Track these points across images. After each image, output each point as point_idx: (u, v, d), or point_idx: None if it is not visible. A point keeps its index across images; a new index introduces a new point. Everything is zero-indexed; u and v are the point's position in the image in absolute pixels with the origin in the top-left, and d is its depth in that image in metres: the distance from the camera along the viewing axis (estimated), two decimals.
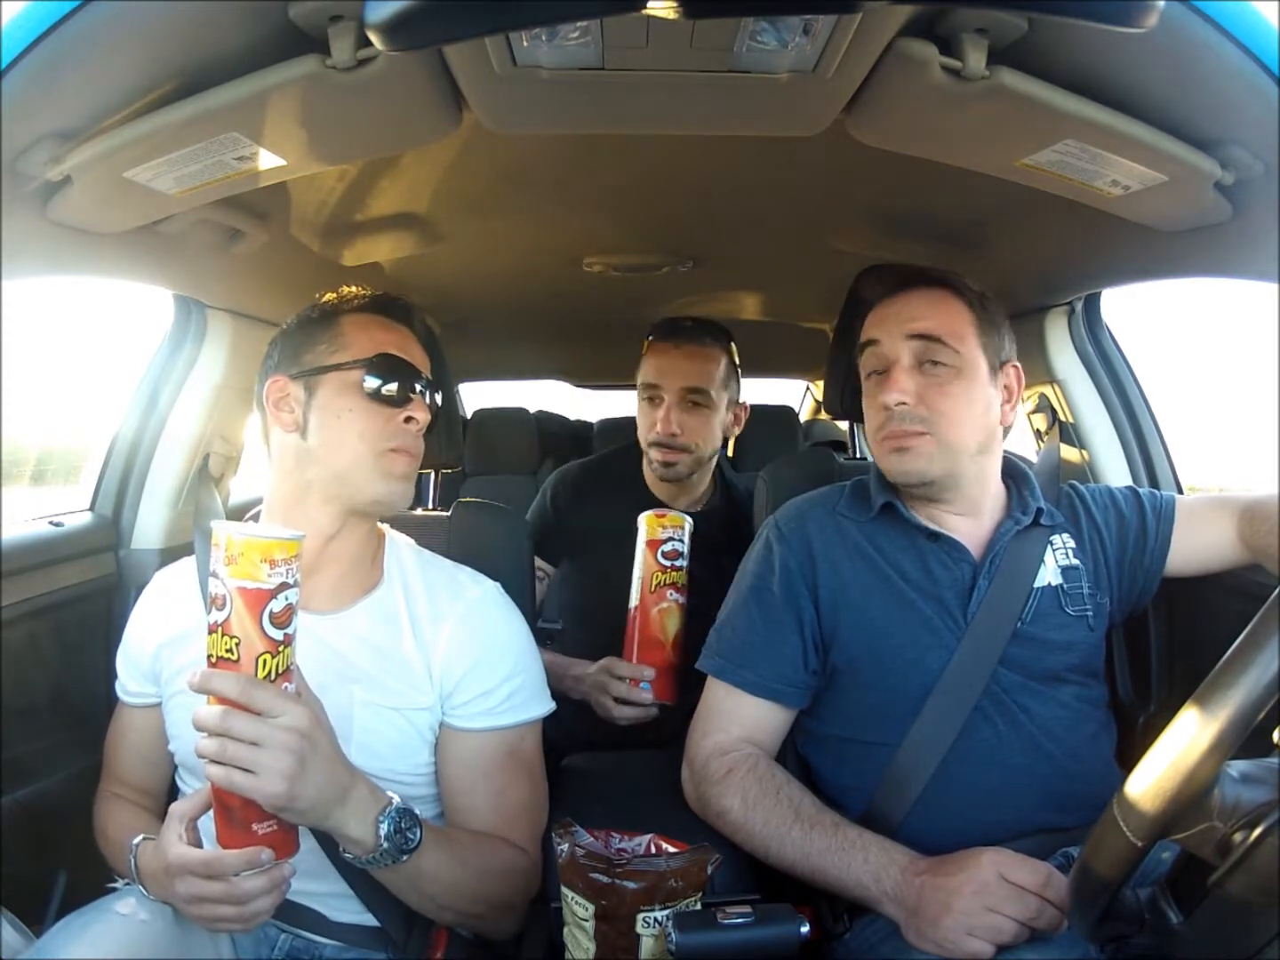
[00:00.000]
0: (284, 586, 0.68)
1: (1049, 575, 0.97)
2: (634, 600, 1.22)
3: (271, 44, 0.69)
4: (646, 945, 0.76)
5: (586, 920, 0.77)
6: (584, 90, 0.78)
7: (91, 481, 1.42)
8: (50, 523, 1.29)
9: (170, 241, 1.03)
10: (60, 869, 1.09)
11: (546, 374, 3.12)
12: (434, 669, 0.88)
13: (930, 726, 0.91)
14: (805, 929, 0.73)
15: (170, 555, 1.30)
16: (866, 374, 1.00)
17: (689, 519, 1.25)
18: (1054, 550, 0.98)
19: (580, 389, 3.26)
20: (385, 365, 0.90)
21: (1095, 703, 0.97)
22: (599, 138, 1.02)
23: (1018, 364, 1.00)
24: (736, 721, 0.98)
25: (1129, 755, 0.84)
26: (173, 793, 0.95)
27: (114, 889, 0.82)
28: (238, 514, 1.23)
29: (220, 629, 0.68)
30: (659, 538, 1.22)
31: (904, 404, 0.93)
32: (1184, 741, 0.51)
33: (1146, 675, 1.24)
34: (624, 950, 0.76)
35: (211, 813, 0.71)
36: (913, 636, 0.94)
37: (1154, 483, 1.34)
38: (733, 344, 1.50)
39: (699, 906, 0.78)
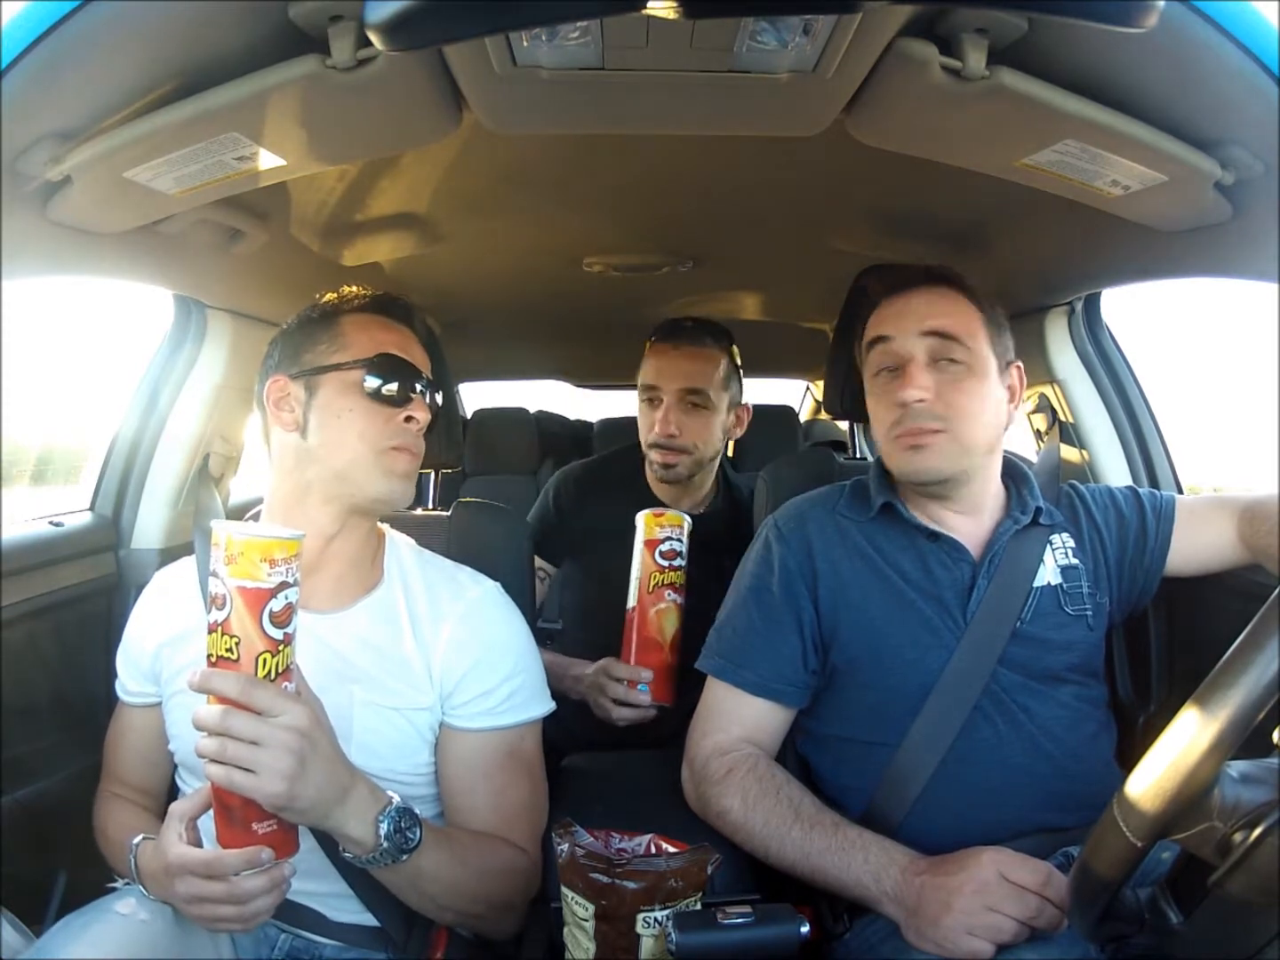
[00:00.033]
0: (284, 586, 0.68)
1: (1048, 575, 0.97)
2: (631, 601, 1.22)
3: (271, 44, 0.69)
4: (646, 945, 0.76)
5: (586, 920, 0.77)
6: (584, 90, 0.78)
7: (91, 481, 1.42)
8: (50, 523, 1.29)
9: (170, 241, 1.03)
10: (60, 869, 1.09)
11: (546, 374, 3.13)
12: (434, 669, 0.88)
13: (930, 726, 0.91)
14: (805, 929, 0.73)
15: (170, 555, 1.30)
16: (875, 371, 0.99)
17: (688, 518, 1.24)
18: (1053, 550, 0.98)
19: (580, 389, 3.26)
20: (386, 365, 0.90)
21: (1095, 702, 0.97)
22: (599, 138, 1.02)
23: (1019, 364, 1.00)
24: (736, 721, 0.98)
25: (1129, 755, 0.84)
26: (173, 793, 0.95)
27: (114, 889, 0.82)
28: (238, 514, 1.23)
29: (220, 628, 0.68)
30: (657, 537, 1.21)
31: (923, 401, 0.92)
32: (1184, 741, 0.51)
33: (1146, 675, 1.24)
34: (624, 950, 0.76)
35: (211, 812, 0.71)
36: (912, 636, 0.94)
37: (1154, 483, 1.34)
38: (734, 345, 1.49)
39: (699, 906, 0.78)
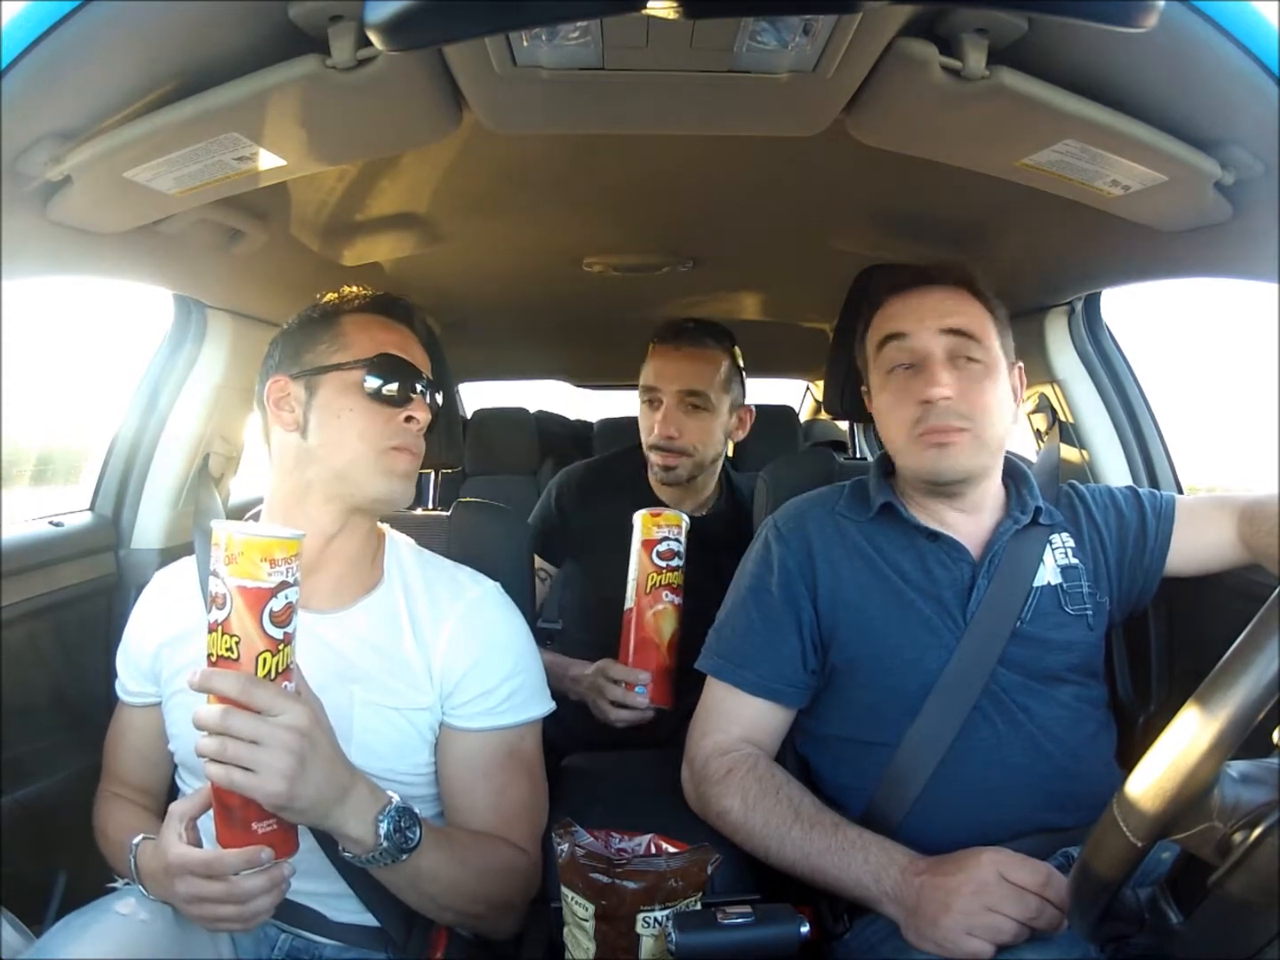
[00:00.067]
0: (284, 585, 0.68)
1: (1048, 574, 0.97)
2: (629, 602, 1.21)
3: (271, 44, 0.69)
4: (646, 945, 0.76)
5: (586, 920, 0.77)
6: (584, 90, 0.78)
7: (91, 481, 1.42)
8: (50, 523, 1.29)
9: (170, 241, 1.03)
10: (60, 869, 1.10)
11: (547, 374, 3.13)
12: (434, 669, 0.88)
13: (929, 726, 0.91)
14: (805, 929, 0.73)
15: (170, 555, 1.30)
16: (889, 368, 0.97)
17: (686, 518, 1.23)
18: (1053, 550, 0.98)
19: (580, 389, 3.26)
20: (386, 365, 0.90)
21: (1095, 702, 0.97)
22: (599, 138, 1.02)
23: (1020, 364, 1.00)
24: (736, 721, 0.98)
25: (1129, 755, 0.84)
26: (173, 792, 0.95)
27: (114, 889, 0.82)
28: (238, 514, 1.23)
29: (220, 628, 0.68)
30: (654, 537, 1.20)
31: (949, 399, 0.91)
32: (1184, 741, 0.51)
33: (1146, 675, 1.24)
34: (624, 950, 0.76)
35: (211, 812, 0.71)
36: (912, 636, 0.94)
37: (1154, 483, 1.34)
38: (736, 346, 1.48)
39: (699, 906, 0.78)
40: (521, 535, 1.14)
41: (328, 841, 0.79)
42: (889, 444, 1.00)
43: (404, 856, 0.74)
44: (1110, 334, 1.42)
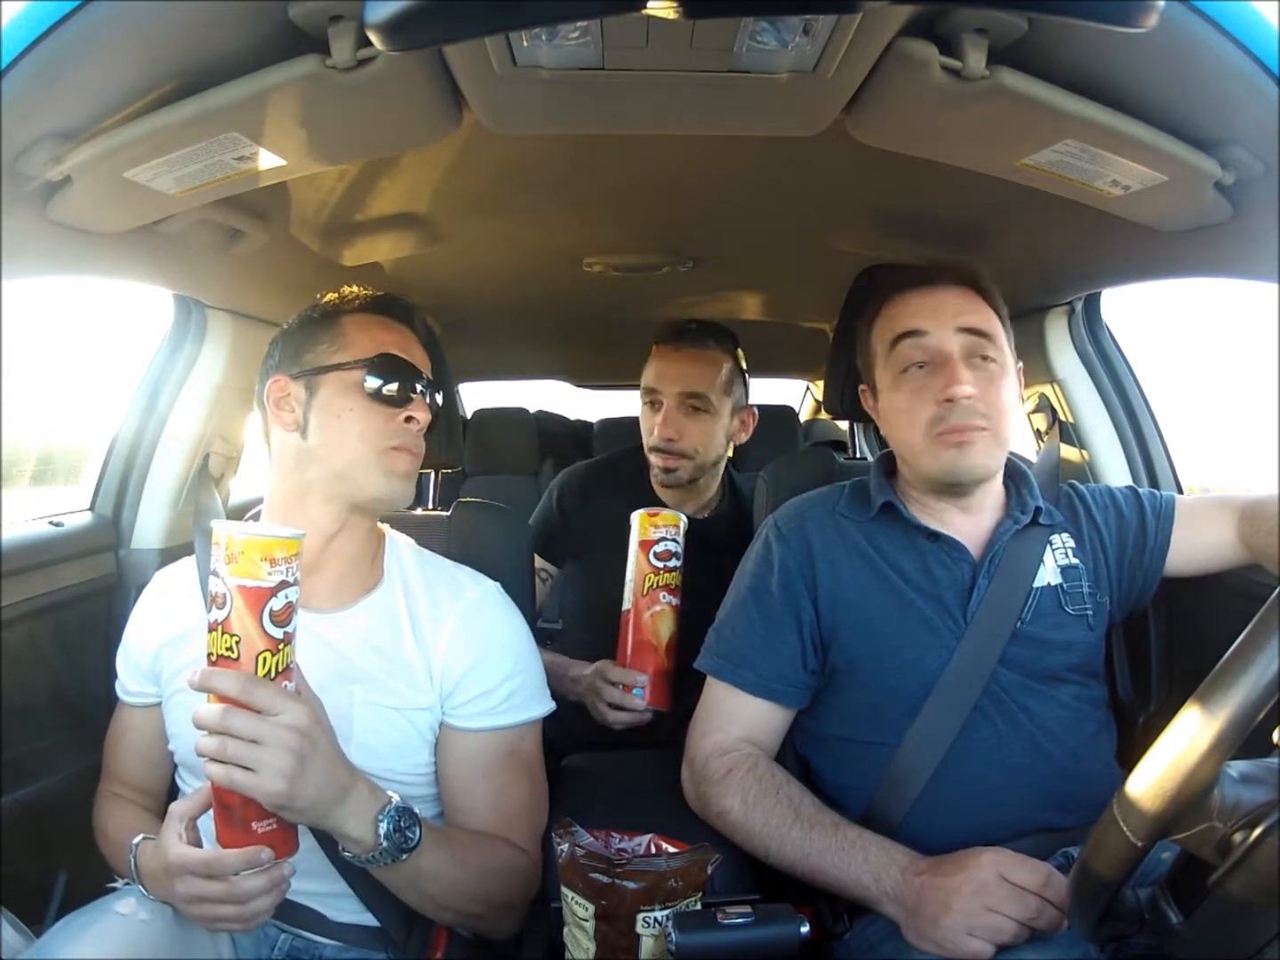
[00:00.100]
0: (284, 585, 0.68)
1: (1048, 575, 0.97)
2: (627, 603, 1.20)
3: (271, 44, 0.69)
4: (646, 945, 0.76)
5: (586, 920, 0.77)
6: (584, 90, 0.78)
7: (91, 481, 1.42)
8: (50, 523, 1.29)
9: (170, 241, 1.03)
10: (60, 869, 1.10)
11: (547, 374, 3.13)
12: (434, 669, 0.88)
13: (930, 726, 0.91)
14: (805, 929, 0.73)
15: (170, 555, 1.30)
16: (903, 367, 0.95)
17: (684, 518, 1.23)
18: (1053, 550, 0.98)
19: (580, 389, 3.26)
20: (386, 365, 0.90)
21: (1095, 702, 0.97)
22: (599, 138, 1.02)
23: (1020, 364, 1.00)
24: (736, 721, 0.98)
25: (1129, 755, 0.84)
26: (173, 792, 0.95)
27: (114, 889, 0.82)
28: (238, 514, 1.23)
29: (220, 627, 0.68)
30: (651, 538, 1.20)
31: (971, 397, 0.90)
32: (1184, 741, 0.51)
33: (1146, 675, 1.24)
34: (624, 950, 0.76)
35: (211, 812, 0.72)
36: (912, 636, 0.94)
37: (1154, 483, 1.34)
38: (739, 348, 1.47)
39: (699, 906, 0.78)
40: (521, 535, 1.14)
41: (328, 841, 0.79)
42: (901, 445, 0.98)
43: (404, 856, 0.74)
44: (1110, 334, 1.42)
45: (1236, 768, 0.52)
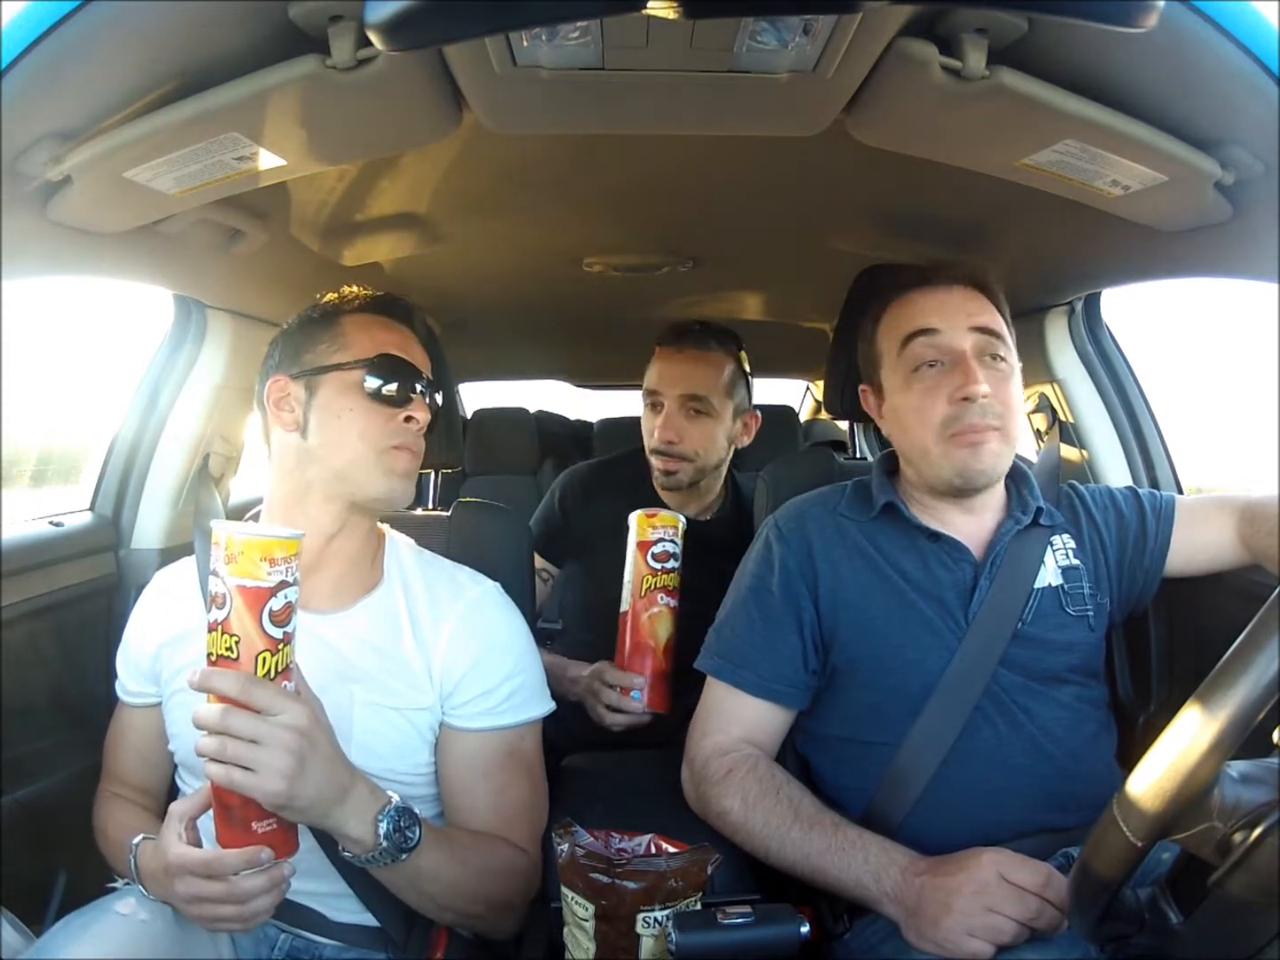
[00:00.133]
0: (283, 585, 0.68)
1: (1049, 576, 0.96)
2: (625, 604, 1.20)
3: (271, 44, 0.69)
4: (646, 945, 0.76)
5: (586, 920, 0.77)
6: (584, 90, 0.78)
7: (91, 481, 1.42)
8: (50, 523, 1.29)
9: (170, 241, 1.04)
10: (60, 869, 1.10)
11: (547, 374, 3.13)
12: (434, 669, 0.88)
13: (931, 727, 0.91)
14: (805, 929, 0.73)
15: (170, 555, 1.30)
16: (914, 366, 0.94)
17: (683, 518, 1.22)
18: (1054, 551, 0.98)
19: (580, 389, 3.26)
20: (386, 365, 0.90)
21: (1095, 703, 0.97)
22: (599, 138, 1.02)
23: (1019, 364, 1.00)
24: (736, 722, 0.98)
25: (1129, 755, 0.84)
26: (173, 792, 0.95)
27: (114, 889, 0.82)
28: (238, 514, 1.23)
29: (220, 627, 0.68)
30: (649, 539, 1.19)
31: (989, 396, 0.90)
32: (1184, 741, 0.51)
33: (1146, 675, 1.24)
34: (624, 950, 0.76)
35: (211, 812, 0.72)
36: (913, 637, 0.94)
37: (1154, 483, 1.34)
38: (743, 350, 1.46)
39: (699, 906, 0.78)
40: (521, 535, 1.14)
41: (328, 841, 0.79)
42: (912, 445, 0.96)
43: (404, 856, 0.74)
44: (1110, 334, 1.42)
45: (1236, 768, 0.52)
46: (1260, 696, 0.49)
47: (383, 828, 0.73)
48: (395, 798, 0.75)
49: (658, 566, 1.18)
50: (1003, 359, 0.94)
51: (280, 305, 1.36)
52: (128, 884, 0.81)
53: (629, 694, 1.17)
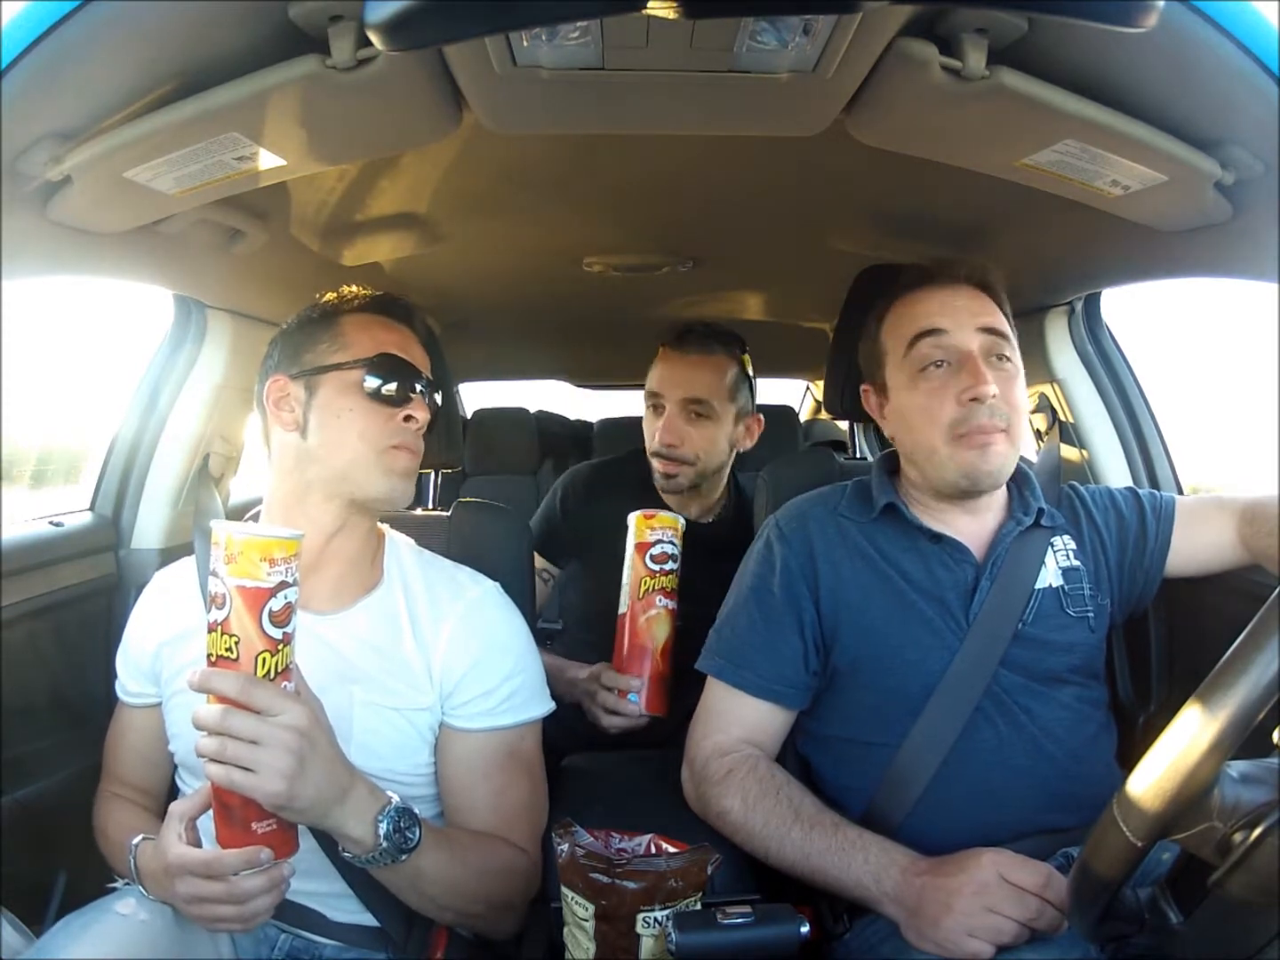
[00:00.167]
0: (283, 585, 0.68)
1: (1050, 577, 0.96)
2: (623, 606, 1.19)
3: (271, 44, 0.69)
4: (646, 945, 0.76)
5: (586, 920, 0.77)
6: (584, 90, 0.78)
7: (91, 481, 1.42)
8: (50, 523, 1.29)
9: (170, 241, 1.03)
10: (60, 869, 1.09)
11: (547, 374, 3.13)
12: (434, 669, 0.88)
13: (931, 727, 0.91)
14: (805, 929, 0.73)
15: (170, 555, 1.30)
16: (921, 366, 0.93)
17: (682, 519, 1.21)
18: (1055, 552, 0.98)
19: (580, 389, 3.26)
20: (386, 365, 0.90)
21: (1096, 704, 0.97)
22: (599, 138, 1.02)
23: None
24: (736, 722, 0.98)
25: (1129, 756, 0.84)
26: (173, 793, 0.95)
27: (114, 889, 0.82)
28: (238, 514, 1.23)
29: (220, 628, 0.68)
30: (647, 540, 1.18)
31: (997, 396, 0.89)
32: (1184, 741, 0.51)
33: (1146, 676, 1.24)
34: (624, 950, 0.76)
35: (211, 812, 0.72)
36: (914, 638, 0.94)
37: (1154, 483, 1.34)
38: (747, 353, 1.44)
39: (699, 906, 0.78)
40: (521, 535, 1.14)
41: (328, 841, 0.79)
42: (918, 446, 0.96)
43: (404, 857, 0.74)
44: (1110, 334, 1.42)
45: (1236, 768, 0.52)
46: (1260, 696, 0.49)
47: (383, 828, 0.73)
48: (395, 798, 0.75)
49: (656, 568, 1.17)
50: (1008, 359, 0.94)
51: (280, 305, 1.36)
52: (128, 884, 0.81)
53: (626, 697, 1.16)
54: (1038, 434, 1.47)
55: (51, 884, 1.09)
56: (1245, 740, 0.50)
